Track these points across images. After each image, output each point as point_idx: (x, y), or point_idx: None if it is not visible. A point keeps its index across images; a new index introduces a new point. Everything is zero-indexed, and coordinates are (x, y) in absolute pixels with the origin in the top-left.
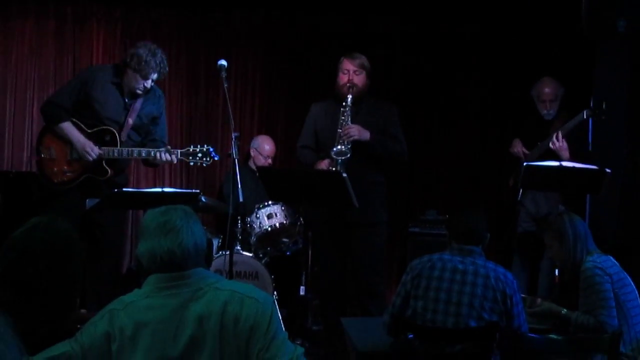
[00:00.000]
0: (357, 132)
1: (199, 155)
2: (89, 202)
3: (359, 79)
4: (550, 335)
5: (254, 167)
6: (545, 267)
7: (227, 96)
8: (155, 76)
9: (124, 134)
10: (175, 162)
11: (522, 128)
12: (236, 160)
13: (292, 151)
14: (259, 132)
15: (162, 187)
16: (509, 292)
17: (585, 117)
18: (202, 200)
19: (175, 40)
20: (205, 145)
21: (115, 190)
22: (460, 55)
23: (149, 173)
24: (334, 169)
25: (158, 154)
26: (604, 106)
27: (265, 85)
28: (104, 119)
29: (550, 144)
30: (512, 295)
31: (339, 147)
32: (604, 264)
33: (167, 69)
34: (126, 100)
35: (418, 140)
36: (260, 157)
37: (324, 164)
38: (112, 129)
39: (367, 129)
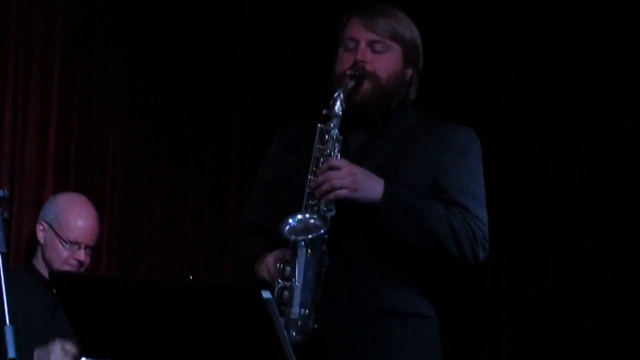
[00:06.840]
0: (346, 178)
1: None
2: None
3: (382, 63)
4: None
5: (45, 273)
6: None
7: None
8: None
9: None
10: None
11: None
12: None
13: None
14: (62, 186)
15: None
16: None
17: None
18: None
19: None
20: None
21: None
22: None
23: None
24: (284, 268)
25: None
26: None
27: (70, 65)
28: None
29: None
30: None
31: (300, 215)
32: None
33: None
34: None
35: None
36: (59, 249)
37: (267, 265)
38: None
39: (380, 174)
